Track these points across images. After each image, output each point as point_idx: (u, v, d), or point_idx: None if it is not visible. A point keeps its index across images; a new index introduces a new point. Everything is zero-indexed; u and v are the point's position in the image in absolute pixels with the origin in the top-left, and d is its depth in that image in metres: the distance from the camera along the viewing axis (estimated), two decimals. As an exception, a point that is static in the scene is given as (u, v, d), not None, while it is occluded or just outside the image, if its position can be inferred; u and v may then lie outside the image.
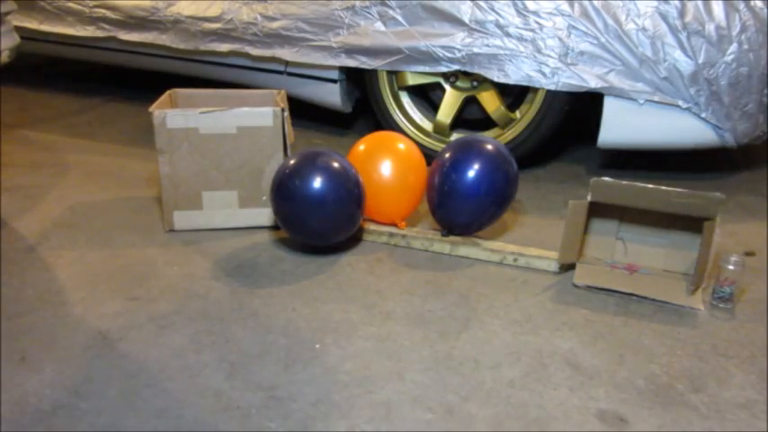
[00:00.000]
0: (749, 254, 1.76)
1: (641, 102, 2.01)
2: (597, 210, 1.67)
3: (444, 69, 2.19)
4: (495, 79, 2.10)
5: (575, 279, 1.63)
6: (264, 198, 1.87)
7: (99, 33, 2.81)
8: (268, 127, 1.82)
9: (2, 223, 1.90)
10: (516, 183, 1.74)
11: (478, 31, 2.09)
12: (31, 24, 2.96)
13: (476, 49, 2.09)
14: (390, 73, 2.38)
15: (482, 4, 2.07)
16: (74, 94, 3.29)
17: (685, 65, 1.95)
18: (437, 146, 2.33)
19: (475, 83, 2.33)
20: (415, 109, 2.45)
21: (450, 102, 2.37)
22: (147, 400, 1.21)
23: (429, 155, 1.96)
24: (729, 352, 1.38)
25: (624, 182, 1.59)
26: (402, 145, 1.85)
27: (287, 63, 2.50)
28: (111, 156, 2.48)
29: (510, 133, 2.28)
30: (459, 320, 1.47)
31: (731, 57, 1.95)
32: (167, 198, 1.85)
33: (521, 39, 2.04)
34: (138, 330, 1.41)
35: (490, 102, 2.32)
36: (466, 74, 2.32)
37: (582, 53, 2.00)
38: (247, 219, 1.90)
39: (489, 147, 1.73)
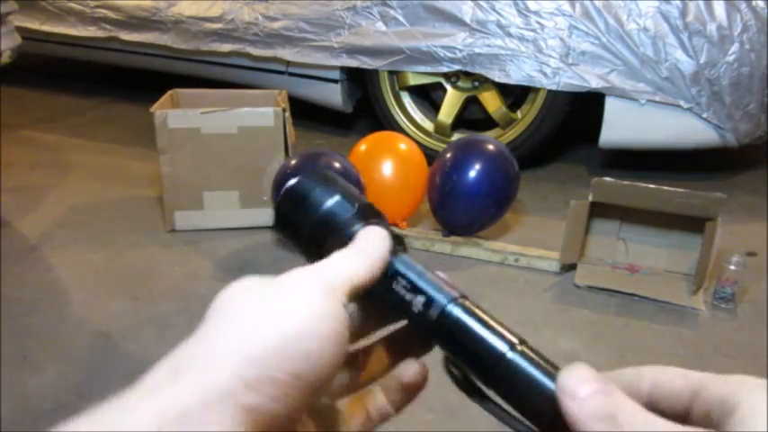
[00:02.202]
0: (751, 254, 1.75)
1: (642, 102, 2.01)
2: (598, 210, 1.66)
3: (445, 69, 2.19)
4: (497, 79, 2.10)
5: (576, 279, 1.63)
6: (265, 198, 1.87)
7: (100, 34, 2.82)
8: (269, 127, 1.82)
9: (3, 223, 1.90)
10: (517, 183, 1.74)
11: (480, 32, 2.09)
12: (33, 25, 2.96)
13: (477, 50, 2.09)
14: (391, 73, 2.38)
15: (483, 4, 2.07)
16: (75, 95, 3.29)
17: (687, 65, 1.95)
18: (438, 146, 2.33)
19: (476, 83, 2.33)
20: (416, 109, 2.45)
21: (451, 102, 2.37)
22: (149, 400, 1.20)
23: (430, 155, 1.95)
24: (731, 352, 1.38)
25: (625, 182, 1.59)
26: (403, 145, 1.85)
27: (288, 63, 2.50)
28: (112, 156, 2.48)
29: (511, 133, 2.28)
30: (461, 320, 1.47)
31: (733, 57, 1.94)
32: (169, 198, 1.85)
33: (522, 39, 2.04)
34: (139, 330, 1.41)
35: (491, 102, 2.32)
36: (467, 74, 2.31)
37: (583, 53, 2.00)
38: (248, 219, 1.90)
39: (490, 147, 1.73)
